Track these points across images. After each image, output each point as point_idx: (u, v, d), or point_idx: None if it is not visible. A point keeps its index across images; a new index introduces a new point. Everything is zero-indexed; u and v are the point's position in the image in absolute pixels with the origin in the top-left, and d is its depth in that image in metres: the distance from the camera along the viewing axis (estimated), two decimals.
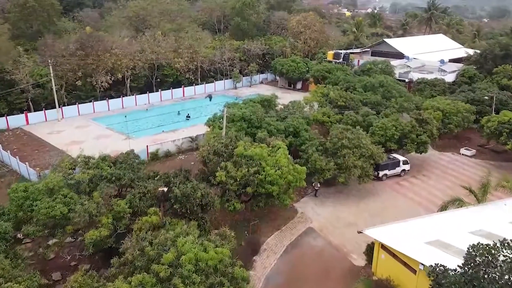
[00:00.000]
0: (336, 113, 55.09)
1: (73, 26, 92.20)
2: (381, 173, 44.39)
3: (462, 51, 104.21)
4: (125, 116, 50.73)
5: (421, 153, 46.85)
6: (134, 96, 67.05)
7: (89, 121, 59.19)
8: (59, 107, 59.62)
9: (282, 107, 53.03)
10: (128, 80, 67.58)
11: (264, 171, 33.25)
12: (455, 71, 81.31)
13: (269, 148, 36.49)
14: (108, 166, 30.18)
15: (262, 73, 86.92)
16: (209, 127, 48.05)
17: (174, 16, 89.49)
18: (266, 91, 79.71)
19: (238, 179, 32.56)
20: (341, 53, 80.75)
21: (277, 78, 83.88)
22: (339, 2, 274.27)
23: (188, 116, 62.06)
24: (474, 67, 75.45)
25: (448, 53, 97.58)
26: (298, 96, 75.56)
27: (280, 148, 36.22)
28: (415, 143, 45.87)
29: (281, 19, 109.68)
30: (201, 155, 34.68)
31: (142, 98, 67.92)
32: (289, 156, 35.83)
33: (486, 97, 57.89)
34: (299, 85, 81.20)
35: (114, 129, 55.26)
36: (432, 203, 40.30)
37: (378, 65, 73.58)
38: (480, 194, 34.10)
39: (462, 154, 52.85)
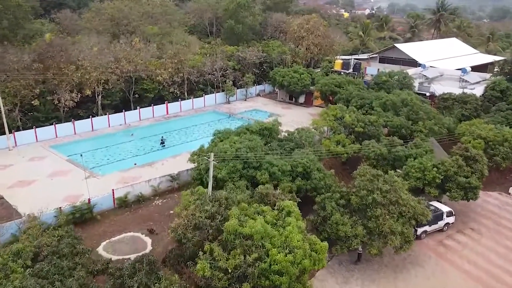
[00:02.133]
0: (353, 141, 44.69)
1: (51, 28, 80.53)
2: (419, 230, 33.67)
3: (480, 57, 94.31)
4: (81, 155, 39.67)
5: (468, 200, 36.18)
6: (107, 116, 55.83)
7: (47, 150, 47.87)
8: (11, 132, 48.32)
9: (286, 134, 42.33)
10: (100, 96, 56.30)
11: (268, 256, 22.44)
12: (479, 81, 71.10)
13: (275, 211, 25.73)
14: (22, 267, 19.13)
15: (259, 84, 75.95)
16: (192, 163, 37.31)
17: (156, 20, 78.15)
18: (263, 105, 69.33)
19: (229, 271, 21.71)
20: (351, 62, 69.94)
21: (276, 90, 72.95)
22: (336, 3, 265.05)
23: (163, 142, 50.83)
24: (504, 78, 64.89)
25: (465, 60, 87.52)
26: (301, 113, 65.16)
27: (290, 212, 25.42)
28: (462, 188, 35.21)
29: (279, 21, 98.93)
30: (174, 232, 23.67)
31: (116, 118, 56.59)
32: (303, 224, 25.02)
33: None
34: (301, 99, 70.36)
35: (76, 162, 43.95)
36: (496, 278, 29.79)
37: (395, 76, 62.94)
38: None
39: None
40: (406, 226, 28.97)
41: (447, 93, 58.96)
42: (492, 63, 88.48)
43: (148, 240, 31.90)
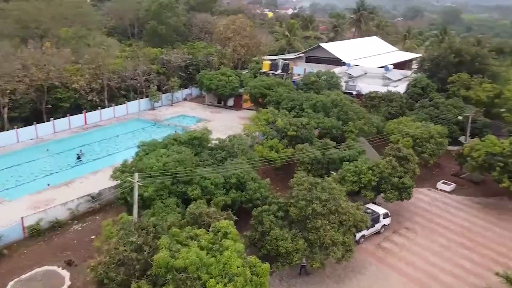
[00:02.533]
0: (286, 145, 43.37)
1: None
2: (358, 236, 32.77)
3: (400, 55, 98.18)
4: None
5: (403, 200, 36.27)
6: (15, 130, 49.84)
7: None
8: None
9: (218, 142, 39.94)
10: (5, 109, 50.28)
11: None
12: (401, 79, 73.55)
13: (210, 233, 23.34)
14: None
15: (185, 88, 72.70)
16: (115, 180, 33.71)
17: (71, 22, 72.09)
18: (191, 110, 66.48)
19: None
20: (279, 63, 69.09)
21: (204, 93, 70.23)
22: (259, 2, 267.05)
23: (79, 156, 46.38)
24: (424, 75, 67.44)
25: (386, 57, 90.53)
26: (231, 116, 63.21)
27: (227, 233, 23.16)
28: (397, 188, 35.17)
29: (203, 22, 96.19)
30: (94, 271, 20.47)
31: (27, 132, 50.64)
32: (241, 245, 22.87)
33: (460, 117, 49.20)
34: (230, 102, 68.34)
35: None
36: (434, 278, 29.80)
37: (322, 76, 63.02)
38: None
39: (440, 190, 43.34)
40: (347, 235, 27.98)
41: (373, 91, 59.92)
42: (411, 60, 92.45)
43: (66, 274, 28.06)
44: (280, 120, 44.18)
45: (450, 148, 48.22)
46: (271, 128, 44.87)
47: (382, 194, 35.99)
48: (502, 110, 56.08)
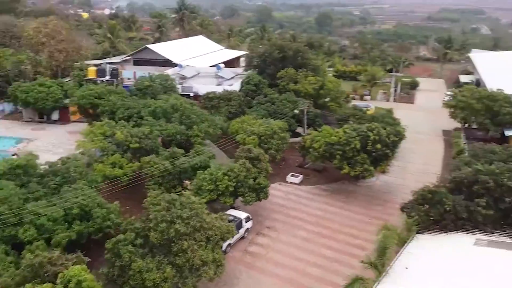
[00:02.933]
0: (130, 159, 39.35)
1: None
2: (224, 245, 31.24)
3: (227, 53, 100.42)
4: None
5: (261, 200, 36.08)
6: None
7: None
8: None
9: (48, 167, 33.87)
10: None
11: None
12: (234, 77, 74.95)
13: (58, 287, 18.91)
14: None
15: None
16: None
17: None
18: (6, 130, 56.45)
19: None
20: (106, 68, 63.21)
21: (20, 108, 60.10)
22: (71, 2, 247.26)
23: None
24: (255, 71, 69.71)
25: (215, 56, 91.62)
26: (58, 132, 55.46)
27: (80, 281, 19.07)
28: (253, 190, 34.76)
29: (7, 25, 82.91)
30: None
31: None
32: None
33: (297, 111, 51.65)
34: (55, 116, 59.77)
35: None
36: (303, 273, 30.25)
37: (156, 79, 59.80)
38: (380, 265, 25.00)
39: (290, 183, 44.76)
40: (216, 251, 26.14)
41: (211, 92, 59.15)
42: (238, 58, 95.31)
43: None
44: (119, 132, 39.79)
45: (291, 140, 50.33)
46: (109, 143, 40.14)
47: (240, 198, 35.21)
48: (326, 100, 61.48)
